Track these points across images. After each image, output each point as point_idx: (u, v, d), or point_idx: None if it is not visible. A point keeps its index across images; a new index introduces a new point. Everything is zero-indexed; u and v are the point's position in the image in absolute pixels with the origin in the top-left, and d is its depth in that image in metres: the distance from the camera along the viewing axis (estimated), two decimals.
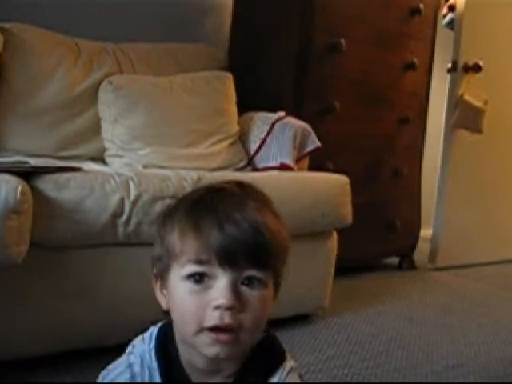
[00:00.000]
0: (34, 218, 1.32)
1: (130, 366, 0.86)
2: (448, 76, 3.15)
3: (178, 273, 0.77)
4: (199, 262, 0.75)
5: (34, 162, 1.57)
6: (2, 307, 1.36)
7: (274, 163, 2.08)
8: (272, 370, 0.84)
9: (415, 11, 2.76)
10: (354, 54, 2.52)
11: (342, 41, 2.42)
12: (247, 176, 1.85)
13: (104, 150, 2.10)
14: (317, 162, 2.27)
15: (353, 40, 2.49)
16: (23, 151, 1.96)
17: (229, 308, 0.74)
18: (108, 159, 2.08)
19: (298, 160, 2.11)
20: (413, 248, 3.05)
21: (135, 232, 1.48)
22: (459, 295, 2.61)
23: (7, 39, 2.00)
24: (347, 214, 1.96)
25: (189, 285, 0.76)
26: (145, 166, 1.94)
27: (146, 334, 0.89)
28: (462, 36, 3.01)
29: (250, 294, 0.76)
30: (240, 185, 0.84)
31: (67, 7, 2.38)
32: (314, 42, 2.39)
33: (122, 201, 1.45)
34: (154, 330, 0.88)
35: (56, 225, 1.38)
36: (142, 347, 0.87)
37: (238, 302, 0.75)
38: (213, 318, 0.74)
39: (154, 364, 0.85)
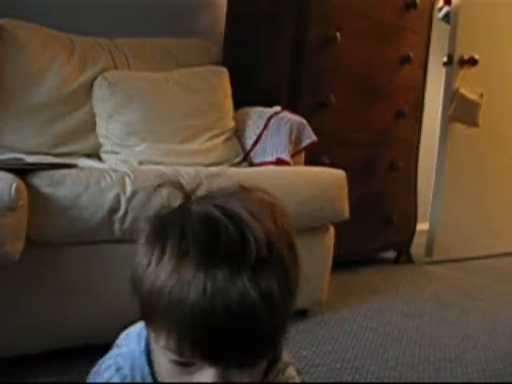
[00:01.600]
0: (29, 215, 1.31)
1: (119, 369, 0.76)
2: (444, 69, 3.15)
3: (159, 342, 0.65)
4: (181, 356, 0.63)
5: (28, 158, 1.56)
6: None
7: (270, 158, 2.07)
8: (267, 369, 0.77)
9: (411, 4, 2.75)
10: (349, 47, 2.51)
11: (338, 34, 2.41)
12: (243, 172, 1.84)
13: (99, 146, 2.09)
14: (312, 156, 2.27)
15: (348, 33, 2.48)
16: (18, 148, 1.94)
17: None
18: (103, 155, 2.07)
19: (294, 154, 2.11)
20: (409, 242, 3.06)
21: (131, 228, 1.47)
22: (456, 289, 2.62)
23: (0, 35, 1.99)
24: (344, 208, 1.96)
25: (171, 365, 0.65)
26: (140, 162, 1.94)
27: (133, 333, 0.79)
28: (457, 29, 3.01)
29: (241, 377, 0.65)
30: (238, 222, 0.63)
31: (61, 3, 2.36)
32: (309, 34, 2.38)
33: (117, 197, 1.44)
34: (142, 329, 0.77)
35: (51, 221, 1.37)
36: (131, 347, 0.77)
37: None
38: None
39: (146, 369, 0.75)
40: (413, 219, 3.03)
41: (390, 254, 3.06)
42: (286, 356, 0.85)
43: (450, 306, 2.32)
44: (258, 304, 0.61)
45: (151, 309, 0.65)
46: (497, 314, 2.26)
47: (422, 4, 2.80)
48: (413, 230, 3.04)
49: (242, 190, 0.71)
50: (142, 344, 0.76)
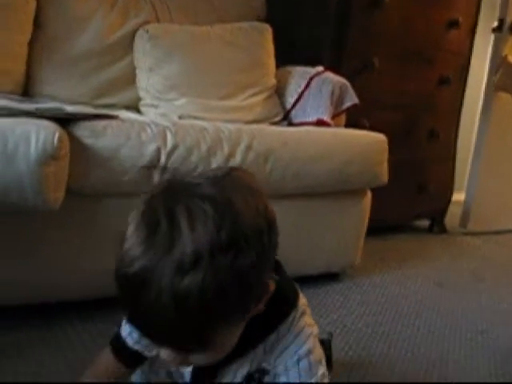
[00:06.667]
0: (70, 165, 1.31)
1: None
2: (492, 36, 3.04)
3: None
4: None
5: (70, 108, 1.56)
6: (34, 252, 1.38)
7: (310, 118, 2.04)
8: (281, 320, 0.84)
9: None
10: (395, 9, 2.43)
11: None
12: (284, 131, 1.81)
13: (139, 99, 2.08)
14: (352, 118, 2.23)
15: None
16: (58, 98, 1.95)
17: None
18: (142, 109, 2.06)
19: (334, 116, 2.07)
20: (444, 211, 3.01)
21: None
22: (489, 261, 2.58)
23: None
24: (383, 172, 1.93)
25: None
26: (180, 117, 1.92)
27: None
28: None
29: (197, 357, 0.75)
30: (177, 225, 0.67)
31: None
32: None
33: (158, 150, 1.44)
34: None
35: (92, 172, 1.38)
36: None
37: (185, 358, 0.75)
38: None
39: None
40: (449, 189, 2.98)
41: (424, 223, 3.03)
42: (303, 308, 0.87)
43: (484, 278, 2.29)
44: (169, 305, 0.65)
45: None
46: None
47: None
48: (448, 200, 2.99)
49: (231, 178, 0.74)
50: None
